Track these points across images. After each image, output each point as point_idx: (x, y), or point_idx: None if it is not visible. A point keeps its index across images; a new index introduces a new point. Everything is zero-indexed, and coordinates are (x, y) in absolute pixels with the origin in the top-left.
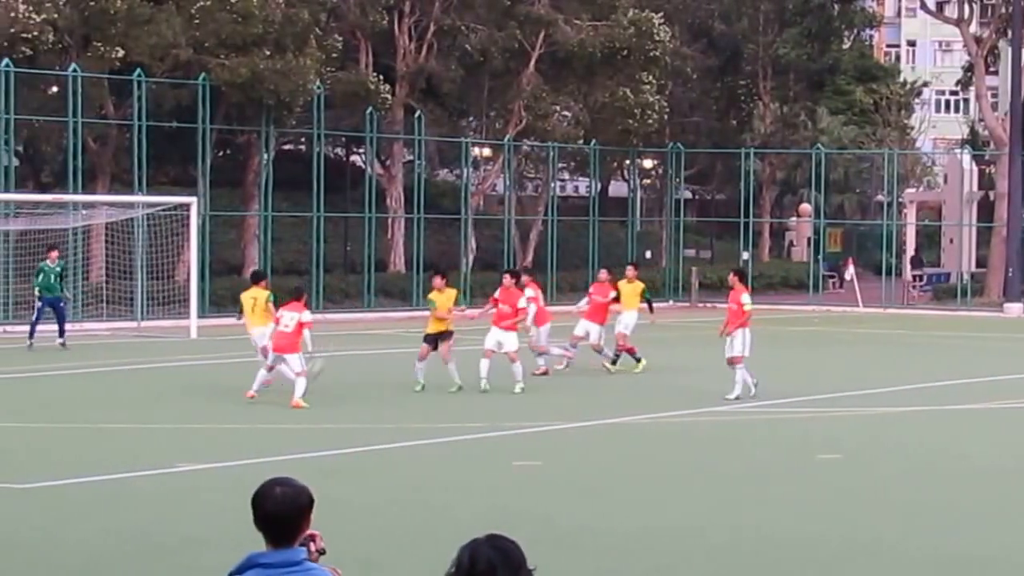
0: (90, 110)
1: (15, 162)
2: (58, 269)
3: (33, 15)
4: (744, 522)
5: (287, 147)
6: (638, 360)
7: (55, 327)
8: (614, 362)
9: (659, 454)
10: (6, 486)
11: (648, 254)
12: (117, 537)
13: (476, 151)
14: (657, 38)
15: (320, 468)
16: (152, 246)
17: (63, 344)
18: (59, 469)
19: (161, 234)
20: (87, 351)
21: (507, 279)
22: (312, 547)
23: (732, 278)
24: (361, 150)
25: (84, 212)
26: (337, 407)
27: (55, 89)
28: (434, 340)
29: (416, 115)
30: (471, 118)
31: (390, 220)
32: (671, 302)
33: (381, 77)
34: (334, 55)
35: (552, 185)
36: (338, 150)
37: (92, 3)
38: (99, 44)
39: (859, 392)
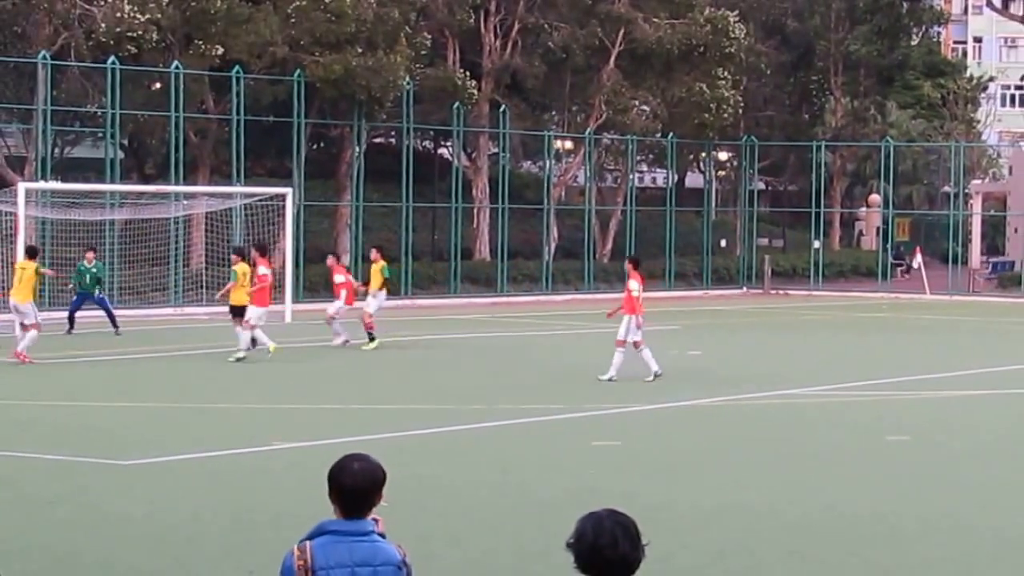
0: (191, 105)
1: (120, 155)
2: (94, 270)
3: (137, 15)
4: (817, 500)
5: (378, 140)
6: (372, 339)
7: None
8: (372, 339)
9: (734, 435)
10: (112, 462)
11: (723, 243)
12: (213, 512)
13: (558, 144)
14: (732, 35)
15: (408, 447)
16: (249, 234)
17: (117, 333)
18: (161, 447)
19: (258, 223)
20: (187, 335)
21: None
22: (375, 530)
23: (627, 265)
24: (448, 143)
25: (185, 202)
26: (424, 389)
27: (158, 85)
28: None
29: (501, 109)
30: (553, 112)
31: (475, 210)
32: (744, 289)
33: (468, 73)
34: (423, 52)
35: (631, 176)
36: (426, 143)
37: (193, 3)
38: (200, 42)
39: (926, 376)
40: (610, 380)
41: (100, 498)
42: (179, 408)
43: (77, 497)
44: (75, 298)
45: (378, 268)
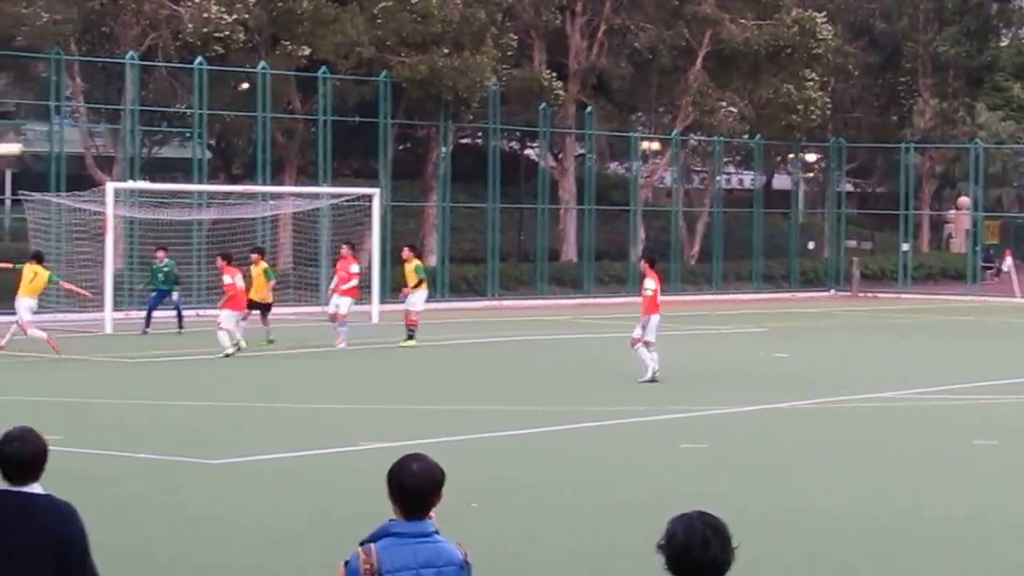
0: (278, 106)
1: (208, 155)
2: (166, 268)
3: (225, 16)
4: (903, 503)
5: (464, 141)
6: (411, 337)
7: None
8: (411, 338)
9: (822, 438)
10: (200, 461)
11: (811, 245)
12: (297, 511)
13: (645, 145)
14: (820, 36)
15: (494, 447)
16: (336, 235)
17: (180, 332)
18: (249, 446)
19: (345, 223)
20: (275, 335)
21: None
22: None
23: (643, 264)
24: (535, 144)
25: (272, 202)
26: (511, 390)
27: (245, 86)
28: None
29: (587, 110)
30: (640, 113)
31: (562, 211)
32: (833, 291)
33: (554, 74)
34: (509, 53)
35: (718, 178)
36: (513, 144)
37: (280, 4)
38: (287, 43)
39: (1016, 380)
40: (652, 380)
41: (188, 498)
42: (267, 408)
43: (165, 496)
44: (153, 295)
45: (412, 268)
